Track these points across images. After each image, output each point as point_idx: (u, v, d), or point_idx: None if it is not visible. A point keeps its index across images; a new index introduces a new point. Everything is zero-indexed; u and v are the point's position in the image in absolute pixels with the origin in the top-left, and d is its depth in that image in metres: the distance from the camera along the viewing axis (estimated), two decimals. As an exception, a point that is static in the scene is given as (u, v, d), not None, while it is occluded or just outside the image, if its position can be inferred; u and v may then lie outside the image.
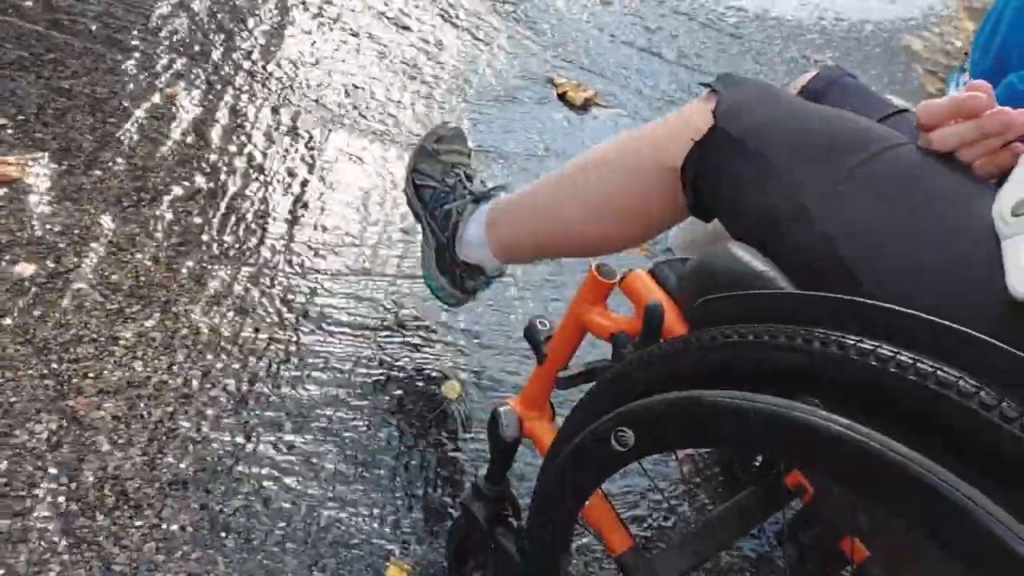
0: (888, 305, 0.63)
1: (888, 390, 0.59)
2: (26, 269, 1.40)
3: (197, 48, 2.02)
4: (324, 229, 1.70)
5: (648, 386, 0.77)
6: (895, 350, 0.60)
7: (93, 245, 1.48)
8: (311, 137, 1.91)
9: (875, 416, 0.60)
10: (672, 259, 0.94)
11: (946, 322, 0.60)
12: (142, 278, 1.47)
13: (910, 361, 0.59)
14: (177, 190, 1.65)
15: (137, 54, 1.91)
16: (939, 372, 0.58)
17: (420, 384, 1.50)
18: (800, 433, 0.61)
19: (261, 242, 1.62)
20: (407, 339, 1.56)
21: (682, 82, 2.64)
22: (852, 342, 0.62)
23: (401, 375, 1.50)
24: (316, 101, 2.01)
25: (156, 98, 1.83)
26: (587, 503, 0.92)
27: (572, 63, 2.55)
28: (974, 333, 0.58)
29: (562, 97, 2.41)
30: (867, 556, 0.99)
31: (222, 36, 2.09)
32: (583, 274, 0.98)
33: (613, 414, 0.76)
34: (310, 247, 1.65)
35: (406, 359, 1.53)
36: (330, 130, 1.95)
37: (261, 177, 1.75)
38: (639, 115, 2.41)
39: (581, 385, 0.96)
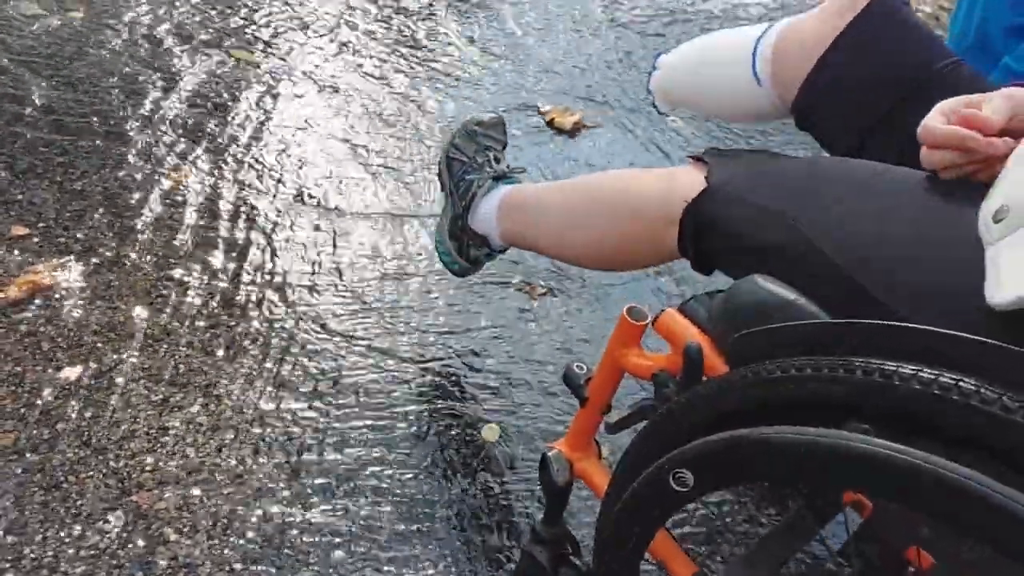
0: (919, 327, 0.66)
1: (936, 413, 0.62)
2: (72, 373, 1.45)
3: (195, 127, 2.07)
4: (344, 292, 1.75)
5: (699, 426, 0.80)
6: (936, 372, 0.64)
7: (130, 340, 1.53)
8: (316, 198, 1.96)
9: (923, 436, 0.64)
10: (699, 294, 0.99)
11: (975, 337, 0.64)
12: (181, 365, 1.52)
13: (952, 382, 0.63)
14: (199, 273, 1.69)
15: (139, 144, 1.96)
16: (983, 390, 0.61)
17: (458, 431, 1.54)
18: (861, 464, 0.63)
19: (286, 314, 1.67)
20: (439, 388, 1.60)
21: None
22: (893, 368, 0.66)
23: (439, 425, 1.54)
24: (315, 161, 2.06)
25: (165, 184, 1.88)
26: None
27: (555, 89, 2.60)
28: (1009, 347, 0.61)
29: (551, 124, 2.46)
30: (932, 563, 1.03)
31: (218, 111, 2.15)
32: (601, 305, 1.02)
33: (669, 456, 0.79)
34: (333, 313, 1.70)
35: (441, 408, 1.57)
36: (333, 189, 2.00)
37: (277, 248, 1.80)
38: (628, 133, 2.46)
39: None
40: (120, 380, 1.47)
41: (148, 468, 1.36)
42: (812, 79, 0.99)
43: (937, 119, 0.83)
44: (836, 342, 0.73)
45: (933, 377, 0.64)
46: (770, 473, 0.78)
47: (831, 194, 0.90)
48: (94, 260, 1.65)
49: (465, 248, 1.50)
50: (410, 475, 1.45)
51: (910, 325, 0.68)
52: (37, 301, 1.55)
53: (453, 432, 1.54)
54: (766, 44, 1.06)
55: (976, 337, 0.63)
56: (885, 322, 0.71)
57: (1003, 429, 0.60)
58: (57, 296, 1.57)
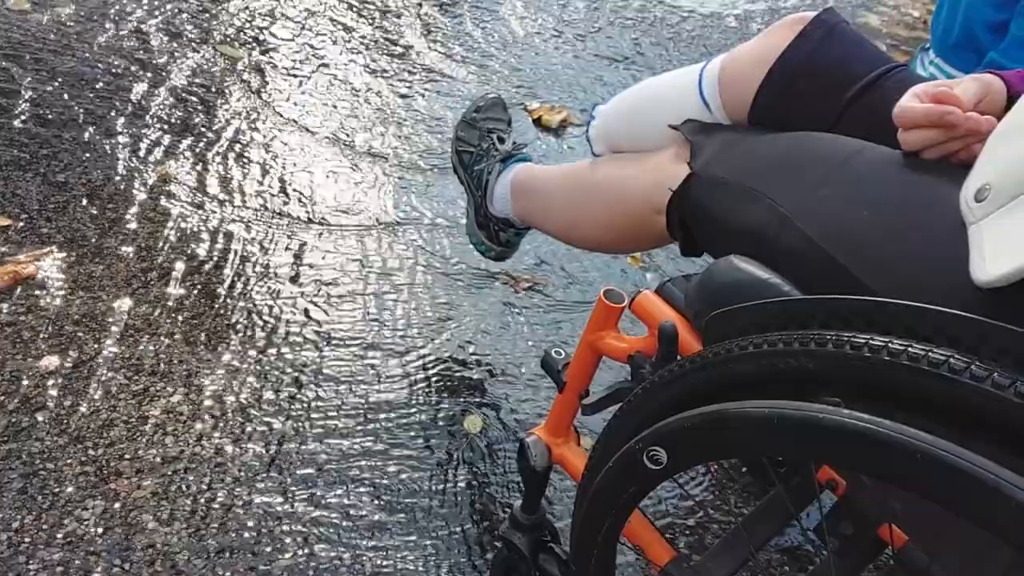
0: (896, 301, 0.66)
1: (907, 384, 0.62)
2: (51, 362, 1.45)
3: (182, 122, 2.07)
4: (327, 283, 1.74)
5: (672, 404, 0.81)
6: (905, 343, 0.64)
7: (111, 330, 1.53)
8: (304, 195, 1.95)
9: (898, 409, 0.64)
10: (676, 276, 0.99)
11: (942, 308, 0.64)
12: (162, 356, 1.51)
13: (921, 353, 0.62)
14: (182, 265, 1.69)
15: (125, 137, 1.95)
16: (952, 359, 0.61)
17: (441, 423, 1.54)
18: (835, 436, 0.63)
19: (269, 306, 1.66)
20: (422, 380, 1.60)
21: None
22: (863, 340, 0.66)
23: (422, 416, 1.54)
24: (300, 157, 2.06)
25: (149, 177, 1.87)
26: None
27: (541, 87, 2.60)
28: (982, 319, 0.61)
29: (538, 122, 2.46)
30: (906, 541, 1.03)
31: (203, 106, 2.14)
32: (585, 299, 1.02)
33: (643, 434, 0.79)
34: (316, 304, 1.69)
35: (424, 400, 1.57)
36: (318, 185, 2.00)
37: (261, 240, 1.80)
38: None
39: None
40: (100, 369, 1.46)
41: (127, 456, 1.35)
42: (761, 94, 1.02)
43: (911, 100, 0.83)
44: (809, 318, 0.73)
45: (902, 348, 0.64)
46: (742, 448, 0.78)
47: (812, 173, 0.90)
48: (76, 251, 1.65)
49: (494, 234, 1.53)
50: (392, 466, 1.45)
51: (881, 299, 0.68)
52: (19, 291, 1.55)
53: (436, 423, 1.53)
54: (711, 72, 1.08)
55: (948, 309, 0.63)
56: (857, 297, 0.71)
57: (974, 398, 0.60)
58: (39, 286, 1.56)
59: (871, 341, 0.65)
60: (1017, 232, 0.64)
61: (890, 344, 0.64)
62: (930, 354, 0.62)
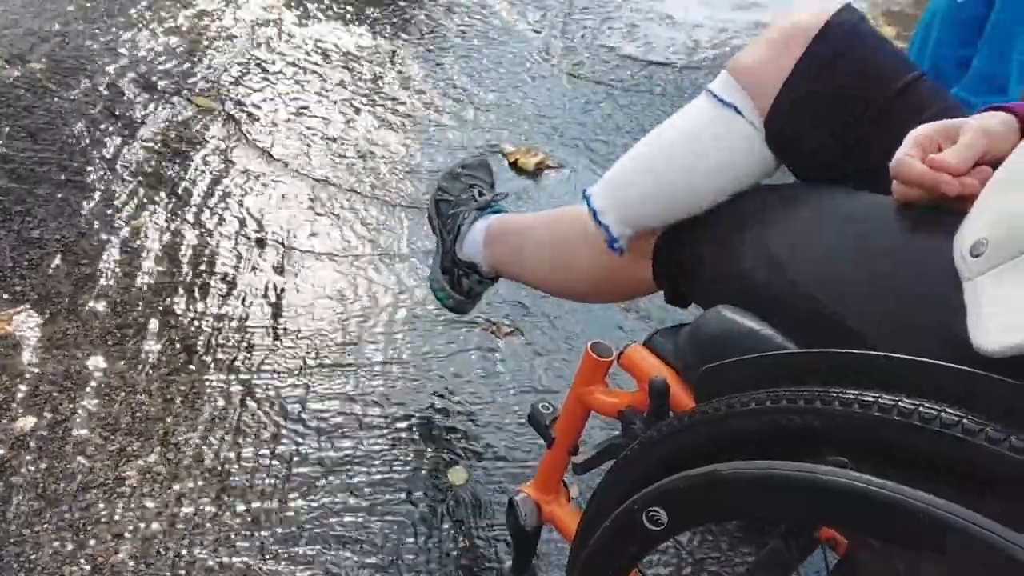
0: (895, 356, 0.64)
1: (914, 443, 0.61)
2: (26, 423, 1.41)
3: (156, 174, 2.05)
4: (305, 334, 1.72)
5: (670, 461, 0.79)
6: (916, 403, 0.62)
7: (86, 389, 1.50)
8: (279, 242, 1.94)
9: (902, 467, 0.63)
10: (664, 328, 0.99)
11: (944, 363, 0.63)
12: (138, 414, 1.48)
13: (934, 413, 0.61)
14: (157, 320, 1.66)
15: (99, 192, 1.93)
16: (966, 420, 0.60)
17: (425, 475, 1.52)
18: (840, 499, 0.62)
19: (247, 357, 1.64)
20: (404, 432, 1.58)
21: (621, 128, 2.71)
22: (872, 399, 0.64)
23: (405, 469, 1.51)
24: (277, 208, 2.05)
25: (124, 231, 1.85)
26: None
27: (517, 130, 2.61)
28: (992, 375, 0.59)
29: (514, 165, 2.47)
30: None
31: (178, 157, 2.13)
32: (568, 345, 1.01)
33: (642, 494, 0.78)
34: (295, 356, 1.67)
35: (407, 452, 1.54)
36: (296, 233, 1.98)
37: (237, 292, 1.78)
38: (591, 171, 2.47)
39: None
40: (76, 430, 1.43)
41: (104, 520, 1.32)
42: (776, 107, 0.96)
43: (911, 152, 0.80)
44: (807, 372, 0.72)
45: (913, 407, 0.62)
46: (747, 509, 0.77)
47: (801, 219, 0.89)
48: (50, 308, 1.62)
49: (457, 280, 1.50)
50: (375, 522, 1.42)
51: (887, 354, 0.66)
52: (-10, 351, 1.52)
53: (419, 476, 1.51)
54: (721, 80, 1.01)
55: (956, 366, 0.62)
56: (858, 351, 0.69)
57: (986, 459, 0.59)
58: (12, 345, 1.53)
59: (880, 400, 0.64)
60: (1017, 300, 0.63)
61: (900, 403, 0.63)
62: (942, 414, 0.60)
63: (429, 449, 1.56)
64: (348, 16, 3.17)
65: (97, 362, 1.55)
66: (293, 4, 3.15)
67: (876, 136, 0.91)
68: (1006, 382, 0.59)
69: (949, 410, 0.59)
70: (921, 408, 0.60)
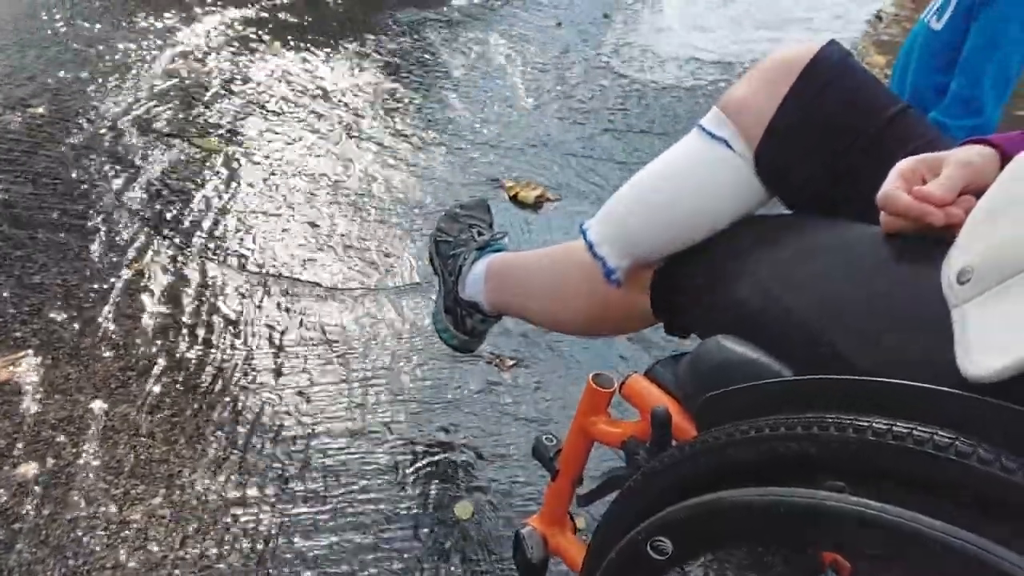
0: (889, 381, 0.65)
1: (910, 467, 0.61)
2: (29, 470, 1.41)
3: (156, 217, 2.06)
4: (310, 372, 1.72)
5: (673, 491, 0.79)
6: (909, 426, 0.62)
7: (89, 433, 1.49)
8: (280, 279, 1.94)
9: (898, 490, 0.63)
10: (664, 358, 0.98)
11: (936, 388, 0.63)
12: (142, 456, 1.48)
13: (926, 435, 0.61)
14: (161, 362, 1.66)
15: (100, 235, 1.94)
16: (958, 443, 0.60)
17: (432, 511, 1.51)
18: (842, 523, 0.62)
19: (251, 398, 1.63)
20: (410, 467, 1.57)
21: (619, 158, 2.72)
22: (866, 424, 0.64)
23: (412, 505, 1.50)
24: (279, 246, 2.05)
25: (125, 274, 1.86)
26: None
27: (516, 165, 2.63)
28: (986, 399, 0.60)
29: (514, 199, 2.48)
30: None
31: (179, 199, 2.14)
32: (572, 376, 1.01)
33: (646, 524, 0.77)
34: (300, 393, 1.67)
35: (413, 488, 1.54)
36: (297, 270, 1.99)
37: (240, 333, 1.78)
38: (591, 203, 2.48)
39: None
40: (79, 474, 1.42)
41: (109, 566, 1.31)
42: (766, 139, 0.97)
43: (897, 184, 0.81)
44: (806, 399, 0.72)
45: (907, 431, 0.63)
46: (750, 536, 0.76)
47: (794, 252, 0.90)
48: (52, 353, 1.62)
49: (461, 320, 1.49)
50: (383, 560, 1.41)
51: (880, 379, 0.67)
52: (-7, 397, 1.52)
53: (426, 511, 1.50)
54: (712, 116, 1.02)
55: (949, 389, 0.62)
56: (856, 377, 0.70)
57: (978, 480, 0.59)
58: (14, 391, 1.53)
59: (874, 424, 0.64)
60: (1003, 324, 0.63)
61: (894, 428, 0.63)
62: (935, 437, 0.61)
63: (435, 484, 1.55)
64: (345, 55, 3.20)
65: (100, 405, 1.55)
66: (290, 45, 3.19)
67: (866, 166, 0.92)
68: (997, 404, 0.59)
69: (941, 433, 0.60)
70: (914, 432, 0.60)
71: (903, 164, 0.82)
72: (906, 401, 0.65)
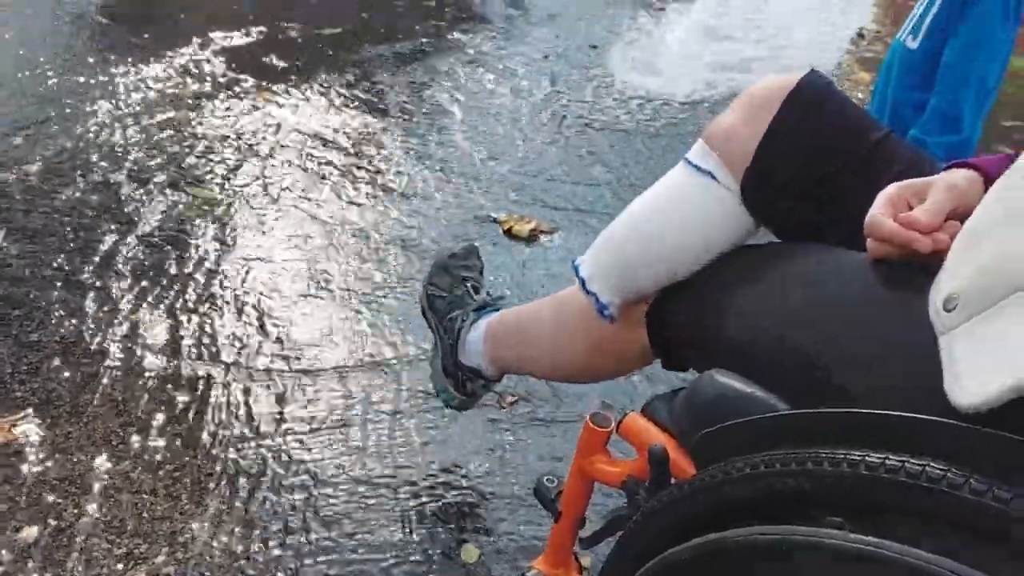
0: (882, 412, 0.64)
1: (906, 500, 0.61)
2: (30, 533, 1.40)
3: (153, 268, 2.07)
4: (310, 420, 1.72)
5: (673, 531, 0.78)
6: (903, 458, 0.62)
7: (91, 492, 1.48)
8: (279, 329, 1.94)
9: (896, 523, 0.62)
10: (660, 394, 0.98)
11: (927, 418, 0.63)
12: (144, 514, 1.47)
13: (919, 468, 0.61)
14: (160, 416, 1.66)
15: (96, 290, 1.95)
16: (949, 474, 0.59)
17: (438, 556, 1.49)
18: (836, 559, 0.61)
19: (252, 449, 1.63)
20: (414, 512, 1.56)
21: (613, 187, 2.73)
22: (859, 458, 0.64)
23: (418, 551, 1.49)
24: (277, 294, 2.06)
25: (123, 328, 1.86)
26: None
27: (509, 198, 2.63)
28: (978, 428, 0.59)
29: (508, 233, 2.48)
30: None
31: (176, 250, 2.15)
32: (573, 412, 1.00)
33: (648, 567, 0.77)
34: (301, 443, 1.66)
35: (418, 533, 1.52)
36: (296, 320, 1.99)
37: (239, 381, 1.77)
38: (585, 234, 2.48)
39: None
40: (81, 535, 1.41)
41: (113, 627, 1.30)
42: (751, 170, 0.97)
43: (883, 211, 0.81)
44: (799, 433, 0.72)
45: (899, 464, 0.62)
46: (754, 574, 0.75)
47: (783, 282, 0.90)
48: (52, 412, 1.62)
49: (461, 383, 1.49)
50: (390, 607, 1.40)
51: (873, 411, 0.67)
52: (-7, 460, 1.51)
53: (432, 557, 1.49)
54: (697, 148, 1.02)
55: (939, 419, 0.62)
56: (849, 409, 0.69)
57: (971, 511, 0.58)
58: (14, 453, 1.53)
59: (867, 459, 0.64)
60: (990, 351, 0.63)
61: (887, 461, 0.63)
62: (927, 469, 0.60)
63: (440, 528, 1.54)
64: (335, 96, 3.22)
65: (101, 464, 1.54)
66: (281, 90, 3.21)
67: (854, 189, 0.93)
68: (987, 433, 0.59)
69: (933, 464, 0.59)
70: (907, 464, 0.60)
71: (889, 190, 0.83)
72: (899, 432, 0.64)
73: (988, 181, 0.79)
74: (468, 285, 1.49)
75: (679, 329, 1.02)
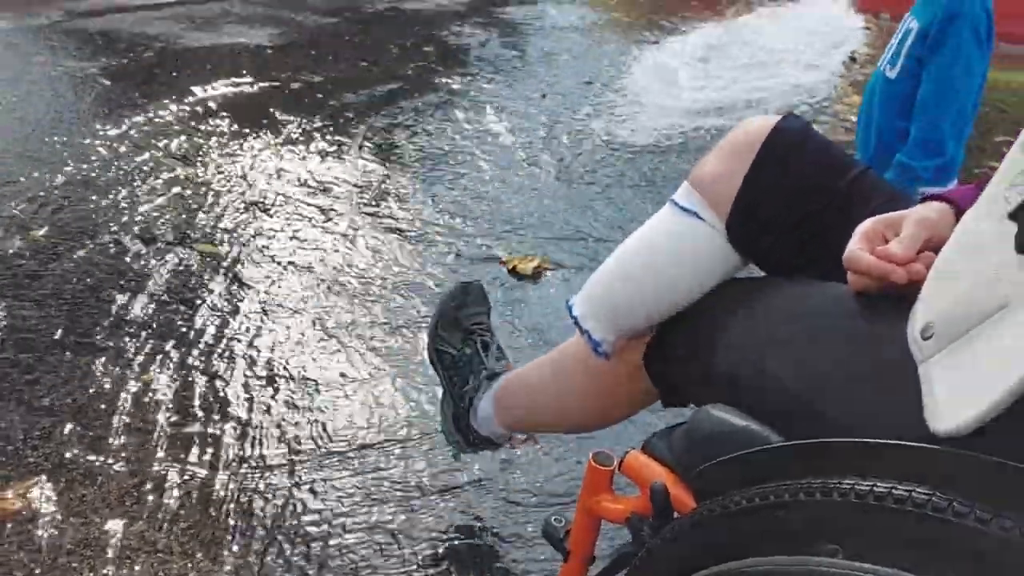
0: (869, 441, 0.66)
1: (895, 525, 0.61)
2: (47, 600, 1.41)
3: (163, 326, 2.09)
4: (324, 470, 1.72)
5: (677, 567, 0.79)
6: (890, 485, 0.63)
7: (107, 555, 1.49)
8: (292, 380, 1.95)
9: (893, 549, 0.63)
10: (660, 430, 0.99)
11: (910, 444, 0.64)
12: (160, 574, 1.48)
13: (905, 494, 0.62)
14: (174, 473, 1.67)
15: (107, 351, 1.97)
16: (934, 498, 0.61)
17: (456, 599, 1.49)
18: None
19: (266, 502, 1.64)
20: (429, 556, 1.56)
21: (615, 221, 2.75)
22: (849, 486, 0.65)
23: (435, 596, 1.49)
24: (286, 346, 2.08)
25: (134, 387, 1.88)
26: None
27: (512, 237, 2.66)
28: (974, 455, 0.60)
29: (512, 271, 2.50)
30: None
31: (184, 306, 2.17)
32: (583, 449, 1.01)
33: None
34: (314, 491, 1.67)
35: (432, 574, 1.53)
36: (306, 370, 2.00)
37: (251, 434, 1.79)
38: (589, 270, 2.49)
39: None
40: (98, 598, 1.42)
41: None
42: (735, 208, 1.00)
43: (860, 245, 0.84)
44: (791, 465, 0.73)
45: (887, 490, 0.63)
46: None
47: (770, 316, 0.91)
48: (66, 476, 1.63)
49: (473, 443, 1.49)
50: (408, 655, 1.39)
51: (860, 440, 0.68)
52: (9, 528, 1.52)
53: (448, 602, 1.49)
54: (682, 190, 1.05)
55: (922, 445, 0.63)
56: (838, 439, 0.70)
57: (957, 534, 0.59)
58: (29, 519, 1.54)
59: (857, 487, 0.65)
60: (966, 377, 0.64)
61: (875, 488, 0.64)
62: (913, 494, 0.61)
63: (455, 570, 1.54)
64: (336, 144, 3.27)
65: (116, 525, 1.55)
66: (283, 141, 3.26)
67: (834, 224, 0.95)
68: (968, 456, 0.60)
69: (919, 490, 0.60)
70: (894, 491, 0.61)
71: (864, 225, 0.85)
72: (887, 459, 0.65)
73: (959, 212, 0.81)
74: (478, 342, 1.49)
75: (679, 364, 1.04)
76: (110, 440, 1.73)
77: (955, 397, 0.64)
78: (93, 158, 3.00)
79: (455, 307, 1.53)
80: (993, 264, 0.69)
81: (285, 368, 2.00)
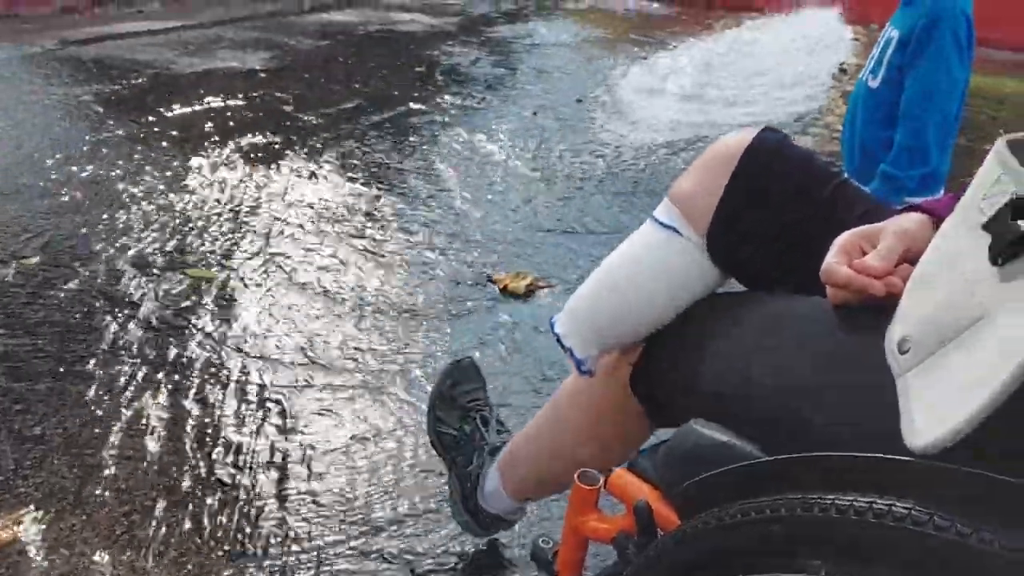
0: (851, 455, 0.65)
1: (879, 539, 0.61)
2: (35, 632, 1.39)
3: (155, 352, 2.08)
4: (314, 498, 1.71)
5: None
6: (870, 500, 0.63)
7: (96, 585, 1.48)
8: (280, 402, 1.95)
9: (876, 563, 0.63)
10: (646, 448, 0.99)
11: (890, 457, 0.63)
12: (150, 603, 1.47)
13: (885, 508, 0.62)
14: (164, 502, 1.66)
15: (98, 379, 1.96)
16: (914, 512, 0.60)
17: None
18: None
19: (257, 528, 1.62)
20: (420, 573, 1.55)
21: (607, 237, 2.74)
22: (829, 501, 0.65)
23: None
24: (279, 369, 2.07)
25: (125, 415, 1.87)
26: None
27: (503, 257, 2.65)
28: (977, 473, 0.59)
29: (504, 291, 2.50)
30: None
31: (176, 332, 2.17)
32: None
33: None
34: (306, 520, 1.66)
35: (430, 601, 1.51)
36: (298, 390, 1.99)
37: (242, 462, 1.78)
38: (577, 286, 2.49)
39: None
40: (88, 629, 1.41)
41: None
42: (714, 224, 1.00)
43: (838, 258, 0.83)
44: (772, 480, 0.72)
45: (867, 505, 0.63)
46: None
47: (750, 330, 0.91)
48: (56, 506, 1.62)
49: (484, 524, 1.47)
50: None
51: (839, 455, 0.67)
52: (-2, 558, 1.51)
53: (442, 626, 1.47)
54: (663, 207, 1.05)
55: (901, 458, 0.63)
56: (820, 454, 0.70)
57: (938, 547, 0.59)
58: (18, 551, 1.52)
59: (837, 501, 0.64)
60: (942, 391, 0.64)
61: (855, 503, 0.63)
62: (893, 508, 0.61)
63: (449, 595, 1.53)
64: (329, 168, 3.27)
65: (105, 556, 1.54)
66: (275, 164, 3.26)
67: (813, 236, 0.94)
68: (949, 469, 0.60)
69: (899, 504, 0.60)
70: (874, 505, 0.61)
71: (842, 238, 0.85)
72: (867, 473, 0.65)
73: (938, 222, 0.81)
74: (477, 419, 1.48)
75: (663, 377, 1.03)
76: (100, 468, 1.72)
77: (930, 413, 0.64)
78: (85, 184, 3.01)
79: (450, 386, 1.52)
80: (968, 274, 0.69)
81: (277, 394, 1.99)
